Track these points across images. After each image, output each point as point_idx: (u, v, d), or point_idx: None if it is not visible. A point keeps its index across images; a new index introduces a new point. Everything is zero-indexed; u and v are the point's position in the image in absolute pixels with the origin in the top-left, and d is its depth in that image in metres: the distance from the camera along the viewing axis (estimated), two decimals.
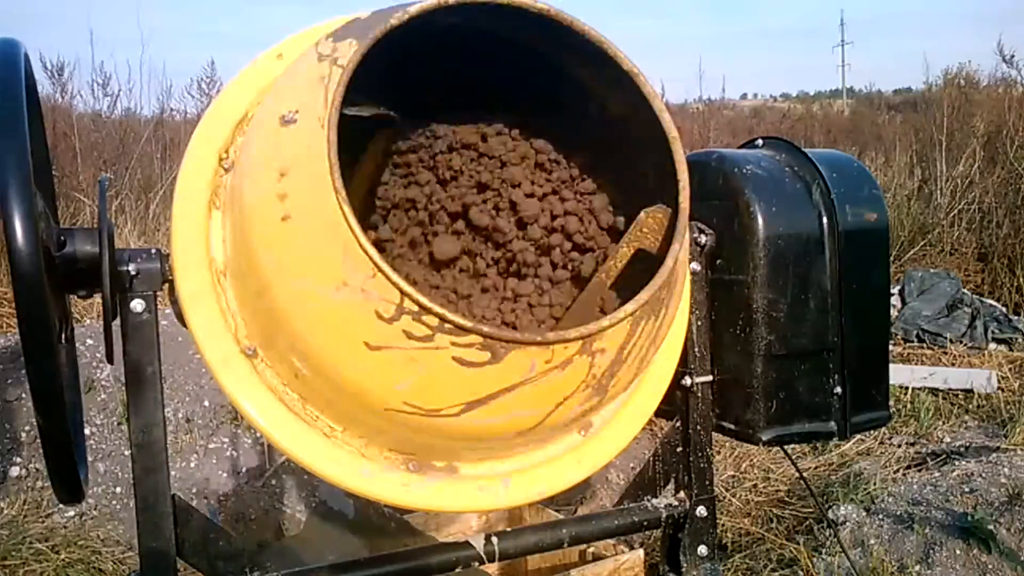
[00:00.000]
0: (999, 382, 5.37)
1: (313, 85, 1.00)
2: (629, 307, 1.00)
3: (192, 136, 1.18)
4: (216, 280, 1.13)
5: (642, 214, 1.12)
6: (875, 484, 3.83)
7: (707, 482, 1.64)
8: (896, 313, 6.37)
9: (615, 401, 1.27)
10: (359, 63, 0.98)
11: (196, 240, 1.14)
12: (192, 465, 4.12)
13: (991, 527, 3.16)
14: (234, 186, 1.13)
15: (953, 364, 5.75)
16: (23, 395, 4.00)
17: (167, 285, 1.19)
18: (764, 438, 1.61)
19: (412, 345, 0.95)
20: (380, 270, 0.92)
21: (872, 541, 3.31)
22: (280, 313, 1.03)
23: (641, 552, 1.95)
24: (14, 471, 3.82)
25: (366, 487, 1.15)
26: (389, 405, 1.02)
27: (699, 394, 1.62)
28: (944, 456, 4.40)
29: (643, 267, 1.18)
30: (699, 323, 1.61)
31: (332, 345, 1.01)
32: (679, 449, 1.65)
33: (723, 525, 3.73)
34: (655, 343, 1.13)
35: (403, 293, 0.92)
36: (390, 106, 1.24)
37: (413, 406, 1.01)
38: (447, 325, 0.93)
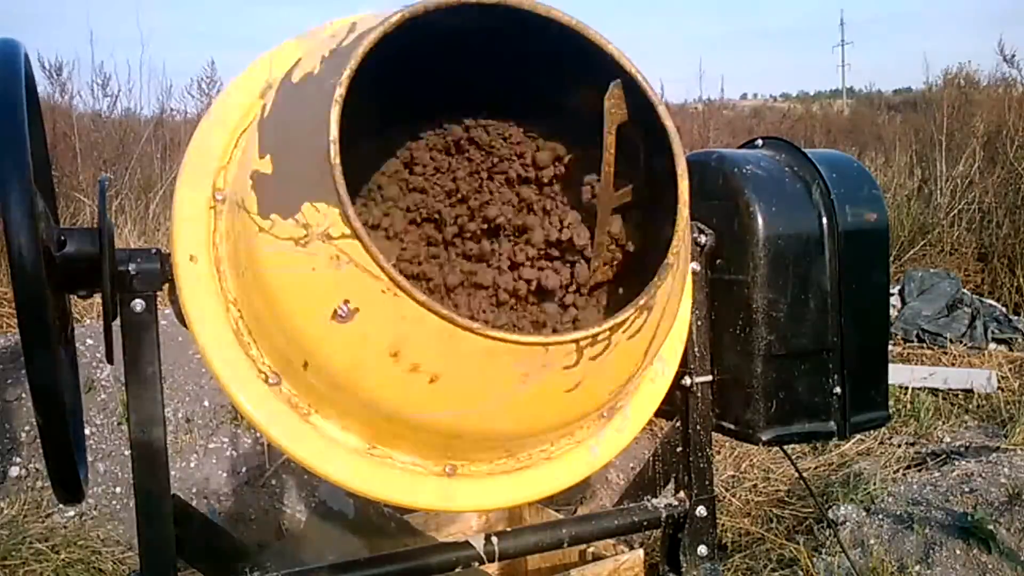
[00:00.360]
0: (999, 382, 5.36)
1: (332, 272, 0.94)
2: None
3: (206, 359, 1.11)
4: (367, 454, 1.13)
5: (605, 103, 1.14)
6: (875, 484, 3.83)
7: (707, 482, 1.64)
8: (896, 313, 6.36)
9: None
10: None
11: (319, 451, 1.11)
12: (192, 465, 4.11)
13: (991, 527, 3.15)
14: (323, 396, 1.09)
15: (953, 364, 5.75)
16: (23, 395, 3.99)
17: (167, 285, 1.19)
18: (764, 438, 1.61)
19: (592, 363, 1.03)
20: (551, 343, 0.97)
21: (872, 541, 3.31)
22: (479, 432, 1.09)
23: (641, 552, 1.94)
24: (14, 471, 3.82)
25: (567, 481, 1.24)
26: (586, 414, 1.17)
27: (699, 394, 1.63)
28: (944, 456, 4.40)
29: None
30: (699, 323, 1.61)
31: (539, 415, 1.09)
32: (679, 449, 1.65)
33: (723, 525, 3.73)
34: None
35: (576, 341, 0.99)
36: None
37: (587, 411, 1.14)
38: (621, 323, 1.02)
